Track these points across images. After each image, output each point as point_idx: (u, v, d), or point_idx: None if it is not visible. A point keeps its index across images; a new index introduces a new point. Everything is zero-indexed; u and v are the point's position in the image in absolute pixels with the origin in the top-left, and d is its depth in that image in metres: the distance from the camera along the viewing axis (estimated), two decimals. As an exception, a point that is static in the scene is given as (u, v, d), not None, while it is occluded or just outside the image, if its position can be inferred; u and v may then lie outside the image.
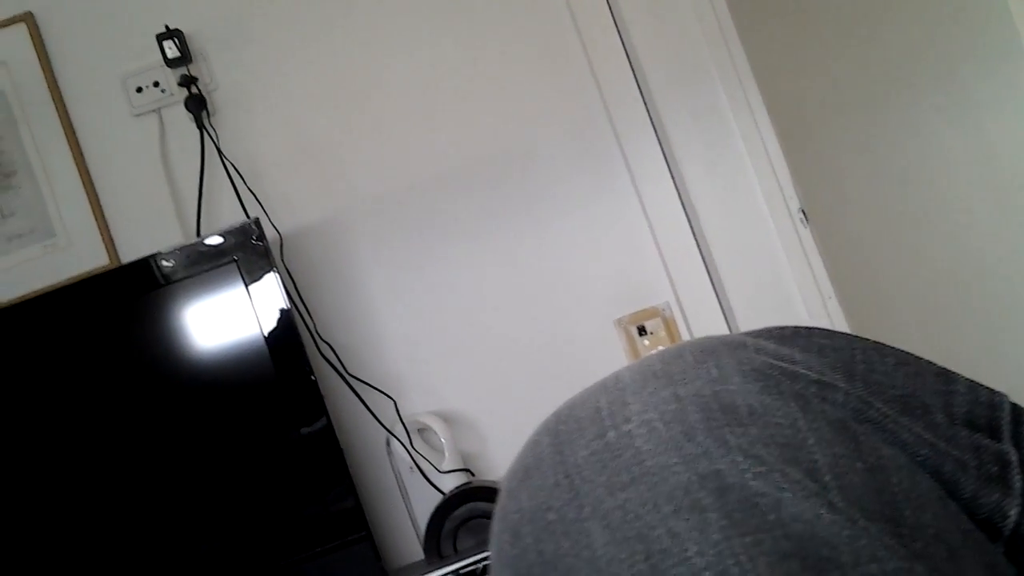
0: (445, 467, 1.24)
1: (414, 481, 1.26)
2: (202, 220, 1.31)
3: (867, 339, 0.37)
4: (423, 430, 1.29)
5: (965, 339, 1.84)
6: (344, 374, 1.28)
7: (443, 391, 1.31)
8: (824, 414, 0.32)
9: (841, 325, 1.28)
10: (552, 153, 1.33)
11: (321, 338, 1.29)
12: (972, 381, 0.36)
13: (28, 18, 1.31)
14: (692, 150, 1.30)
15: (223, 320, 1.15)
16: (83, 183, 1.31)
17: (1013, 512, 0.33)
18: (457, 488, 1.20)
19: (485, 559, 1.07)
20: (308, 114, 1.33)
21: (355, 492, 1.15)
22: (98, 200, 1.31)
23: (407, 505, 1.28)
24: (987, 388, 0.36)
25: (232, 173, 1.30)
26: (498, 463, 1.31)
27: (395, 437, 1.26)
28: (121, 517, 1.12)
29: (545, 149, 1.33)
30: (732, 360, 0.34)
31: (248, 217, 1.21)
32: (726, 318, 1.31)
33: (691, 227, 1.31)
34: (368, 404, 1.27)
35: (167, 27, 1.28)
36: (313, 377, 1.15)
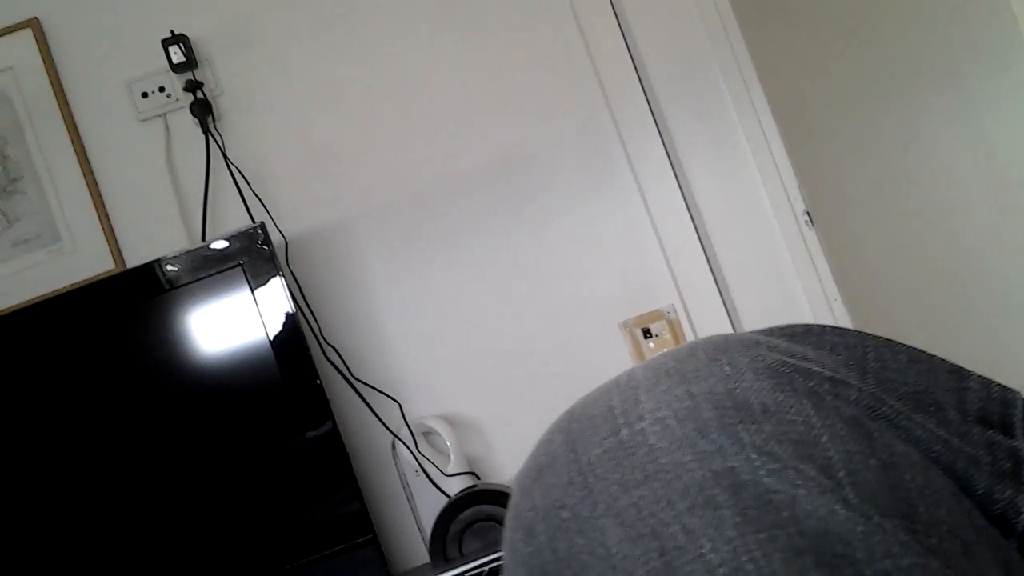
0: (450, 470, 1.24)
1: (419, 484, 1.26)
2: (207, 224, 1.31)
3: (879, 336, 0.37)
4: (428, 433, 1.29)
5: (969, 339, 1.84)
6: (349, 378, 1.28)
7: (448, 394, 1.31)
8: (837, 411, 0.32)
9: (846, 327, 1.28)
10: (556, 155, 1.33)
11: (326, 342, 1.29)
12: (984, 378, 0.36)
13: (34, 24, 1.32)
14: (696, 152, 1.30)
15: (229, 324, 1.15)
16: (89, 188, 1.31)
17: None
18: (463, 491, 1.20)
19: (491, 562, 1.07)
20: (313, 118, 1.33)
21: (361, 495, 1.15)
22: (103, 205, 1.32)
23: (413, 508, 1.28)
24: (1000, 385, 0.36)
25: (237, 177, 1.30)
26: (503, 466, 1.31)
27: (400, 441, 1.26)
28: (129, 520, 1.12)
29: (549, 151, 1.33)
30: (745, 358, 0.34)
31: (253, 221, 1.21)
32: (731, 321, 1.31)
33: (696, 229, 1.31)
34: (373, 408, 1.27)
35: (172, 32, 1.29)
36: (319, 381, 1.16)
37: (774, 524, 0.28)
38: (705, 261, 1.31)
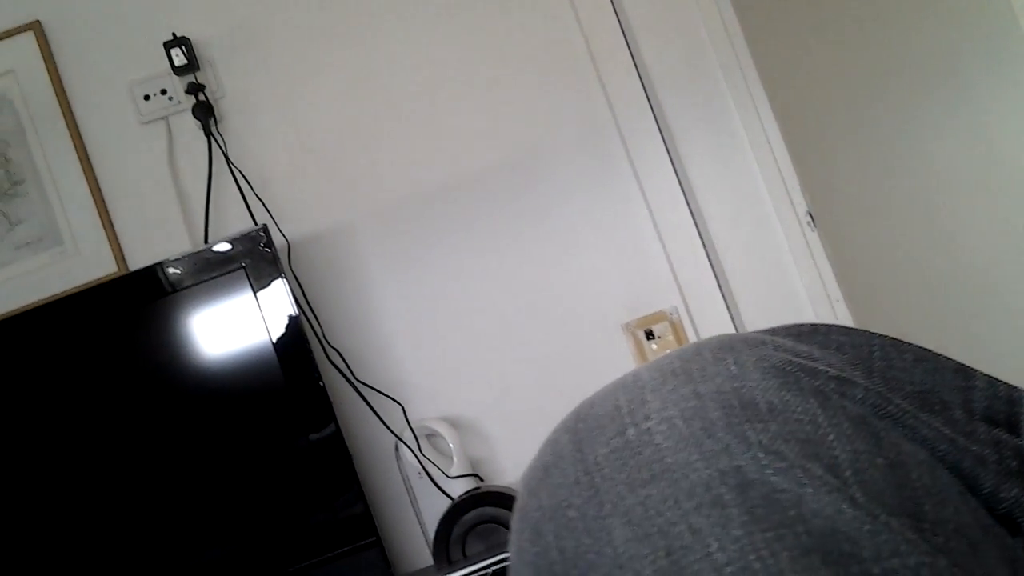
0: (454, 472, 1.24)
1: (423, 486, 1.26)
2: (210, 227, 1.31)
3: (884, 335, 0.37)
4: (431, 436, 1.29)
5: (971, 339, 1.84)
6: (352, 380, 1.28)
7: (451, 396, 1.31)
8: (844, 410, 0.32)
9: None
10: (558, 158, 1.33)
11: (329, 344, 1.29)
12: (991, 377, 0.36)
13: (36, 26, 1.32)
14: (699, 154, 1.30)
15: (231, 327, 1.15)
16: (91, 191, 1.31)
17: None
18: (466, 493, 1.20)
19: (494, 564, 1.07)
20: (315, 120, 1.34)
21: (364, 498, 1.15)
22: (106, 208, 1.32)
23: (416, 510, 1.28)
24: (1006, 384, 0.36)
25: (240, 180, 1.30)
26: (506, 468, 1.31)
27: (403, 443, 1.26)
28: (132, 523, 1.12)
29: (551, 154, 1.33)
30: (751, 357, 0.34)
31: (256, 224, 1.22)
32: (734, 322, 1.31)
33: (698, 231, 1.31)
34: (376, 410, 1.27)
35: (174, 35, 1.29)
36: (321, 383, 1.16)
37: (781, 523, 0.28)
38: (707, 262, 1.31)
